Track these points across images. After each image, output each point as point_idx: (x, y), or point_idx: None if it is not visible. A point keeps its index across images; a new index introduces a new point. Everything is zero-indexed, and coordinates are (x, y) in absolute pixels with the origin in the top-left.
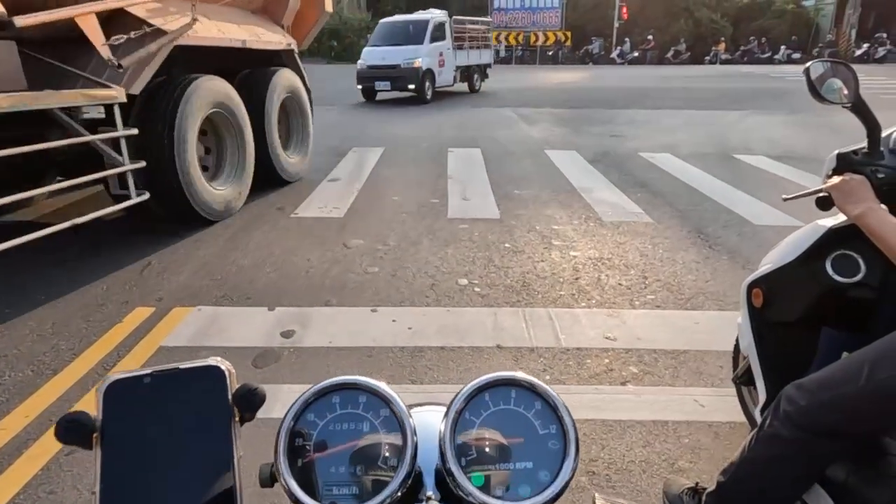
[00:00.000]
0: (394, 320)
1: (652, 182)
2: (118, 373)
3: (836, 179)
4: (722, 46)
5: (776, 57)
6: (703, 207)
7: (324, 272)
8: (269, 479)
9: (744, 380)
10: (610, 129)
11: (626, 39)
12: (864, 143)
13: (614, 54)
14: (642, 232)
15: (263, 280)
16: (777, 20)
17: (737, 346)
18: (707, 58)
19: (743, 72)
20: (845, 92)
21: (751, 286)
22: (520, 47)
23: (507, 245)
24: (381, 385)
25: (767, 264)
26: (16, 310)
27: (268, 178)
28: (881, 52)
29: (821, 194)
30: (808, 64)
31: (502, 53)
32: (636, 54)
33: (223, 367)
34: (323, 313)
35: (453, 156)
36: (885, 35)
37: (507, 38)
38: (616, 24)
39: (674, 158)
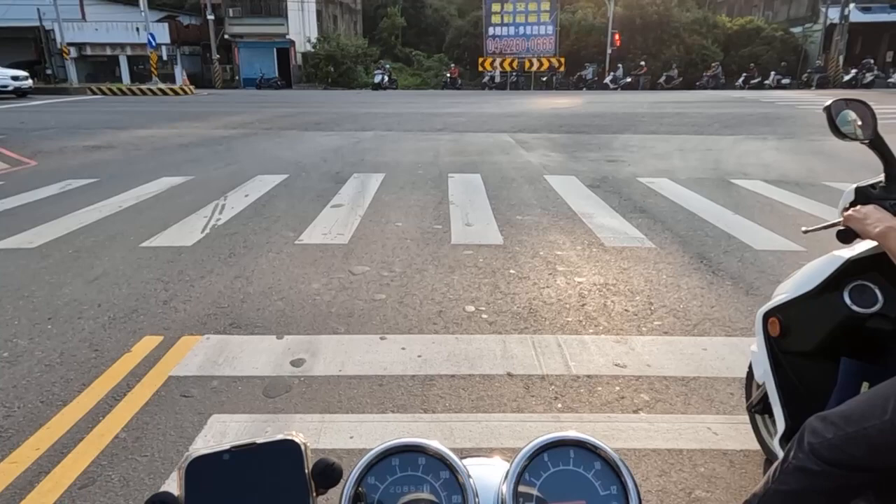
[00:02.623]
0: (403, 348)
1: (652, 207)
2: (198, 450)
3: (851, 212)
4: (719, 70)
5: (766, 82)
6: (703, 232)
7: (331, 299)
8: None
9: (759, 408)
10: (607, 155)
11: (619, 65)
12: (882, 177)
13: (608, 80)
14: (645, 257)
15: (271, 308)
16: (766, 46)
17: (750, 374)
18: (706, 81)
19: (734, 97)
20: (861, 126)
21: (767, 315)
22: (514, 73)
23: (512, 271)
24: (440, 446)
25: (784, 294)
26: (23, 339)
27: None
28: (868, 77)
29: (839, 227)
30: (828, 102)
31: (497, 79)
32: (629, 80)
33: (299, 441)
34: (332, 341)
35: (454, 181)
36: (871, 61)
37: (501, 64)
38: (609, 51)
39: (672, 184)
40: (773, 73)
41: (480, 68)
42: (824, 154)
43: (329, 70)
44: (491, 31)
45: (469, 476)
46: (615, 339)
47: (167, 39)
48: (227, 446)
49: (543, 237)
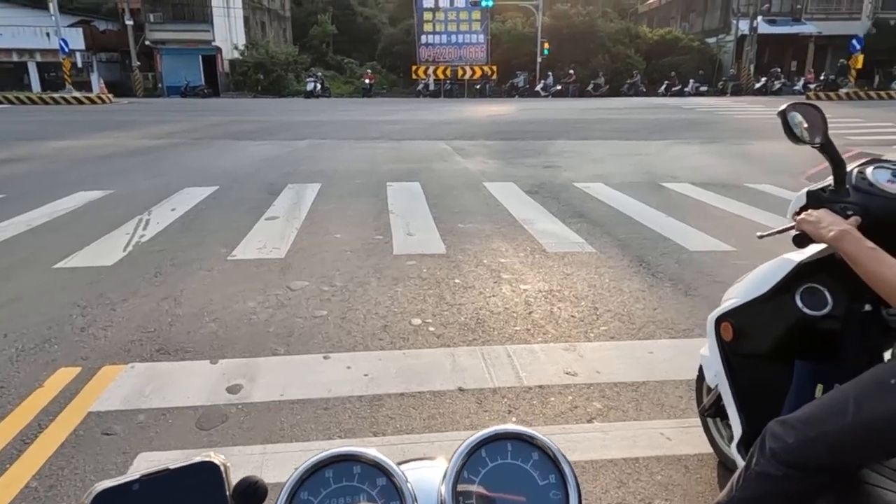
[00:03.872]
0: (348, 367)
1: (589, 212)
2: (103, 482)
3: (803, 215)
4: (638, 80)
5: (686, 90)
6: (641, 235)
7: (268, 318)
8: None
9: (711, 412)
10: (543, 161)
11: (549, 73)
12: (830, 181)
13: (539, 87)
14: (587, 262)
15: (203, 330)
16: (685, 56)
17: (700, 378)
18: (626, 88)
19: (657, 104)
20: (808, 129)
21: (719, 320)
22: (448, 81)
23: (457, 281)
24: (374, 453)
25: (734, 298)
26: None
27: None
28: (777, 84)
29: (794, 231)
30: (783, 107)
31: (431, 87)
32: (559, 87)
33: (217, 462)
34: (271, 363)
35: (393, 190)
36: (779, 70)
37: (435, 72)
38: (539, 59)
39: (607, 188)
40: (691, 81)
41: (414, 76)
42: (746, 157)
43: (259, 78)
44: (423, 39)
45: (407, 480)
46: (564, 346)
47: (82, 45)
48: (137, 475)
49: (486, 245)
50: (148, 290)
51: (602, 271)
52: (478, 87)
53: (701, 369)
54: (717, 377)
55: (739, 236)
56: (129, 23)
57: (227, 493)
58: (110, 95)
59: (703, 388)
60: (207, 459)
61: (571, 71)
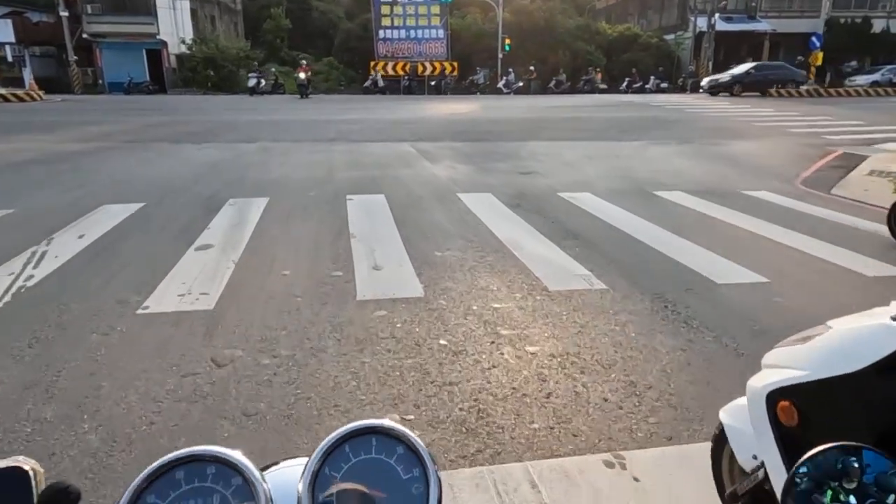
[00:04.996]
0: None
1: (584, 230)
2: None
3: None
4: (599, 76)
5: (647, 86)
6: (649, 260)
7: (179, 420)
8: None
9: (746, 501)
10: (517, 165)
11: (511, 70)
12: None
13: (500, 84)
14: (600, 305)
15: (78, 446)
16: (644, 52)
17: (718, 447)
18: (582, 85)
19: (621, 101)
20: None
21: (775, 396)
22: (407, 77)
23: (442, 342)
24: (229, 452)
25: (797, 369)
26: None
27: None
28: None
29: None
30: None
31: (380, 83)
32: (520, 84)
33: (27, 468)
34: None
35: (353, 205)
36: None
37: (394, 68)
38: (500, 55)
39: (594, 198)
40: (652, 77)
41: (372, 72)
42: (727, 159)
43: (208, 74)
44: (381, 33)
45: (263, 480)
46: (608, 459)
47: (12, 38)
48: None
49: (473, 282)
50: (10, 371)
51: (622, 319)
52: (433, 83)
53: (721, 435)
54: (761, 460)
55: (766, 261)
56: (64, 14)
57: (34, 500)
58: (41, 92)
59: (729, 464)
60: (16, 465)
61: (532, 67)
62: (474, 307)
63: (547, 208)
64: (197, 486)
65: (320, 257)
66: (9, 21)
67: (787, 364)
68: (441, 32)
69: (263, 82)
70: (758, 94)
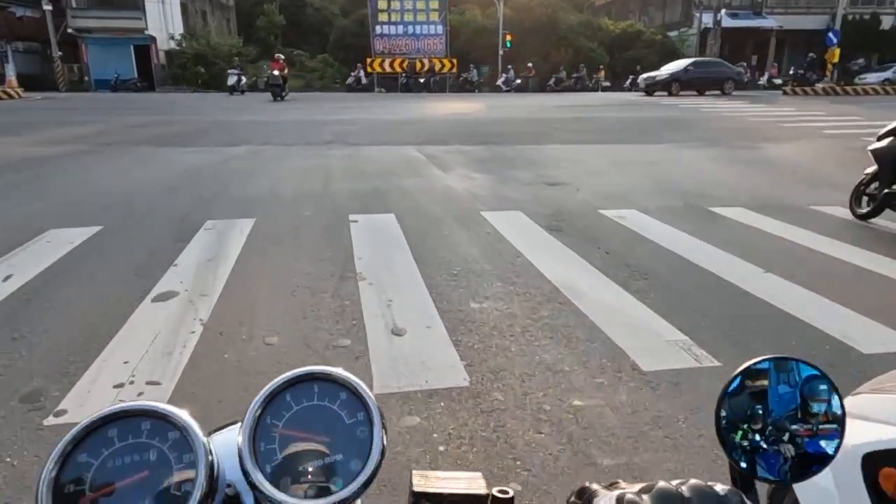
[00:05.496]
0: None
1: (648, 264)
2: None
3: None
4: (602, 73)
5: None
6: (753, 315)
7: None
8: None
9: None
10: (540, 174)
11: (510, 67)
12: None
13: (500, 82)
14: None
15: None
16: (647, 49)
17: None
18: (573, 83)
19: (629, 99)
20: None
21: (875, 460)
22: (405, 75)
23: (514, 487)
24: (162, 406)
25: None
26: None
27: None
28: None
29: None
30: None
31: (363, 80)
32: (518, 82)
33: None
34: None
35: (358, 229)
36: (745, 64)
37: (391, 65)
38: (501, 52)
39: (644, 217)
40: None
41: (369, 69)
42: (767, 165)
43: (199, 71)
44: (378, 29)
45: (199, 432)
46: None
47: None
48: None
49: (532, 356)
50: None
51: None
52: (422, 80)
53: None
54: None
55: None
56: (48, 8)
57: None
58: (19, 90)
59: None
60: None
61: (530, 65)
62: (546, 406)
63: (593, 232)
64: (131, 442)
65: (320, 313)
66: None
67: (888, 418)
68: (440, 28)
69: (244, 80)
70: (695, 92)
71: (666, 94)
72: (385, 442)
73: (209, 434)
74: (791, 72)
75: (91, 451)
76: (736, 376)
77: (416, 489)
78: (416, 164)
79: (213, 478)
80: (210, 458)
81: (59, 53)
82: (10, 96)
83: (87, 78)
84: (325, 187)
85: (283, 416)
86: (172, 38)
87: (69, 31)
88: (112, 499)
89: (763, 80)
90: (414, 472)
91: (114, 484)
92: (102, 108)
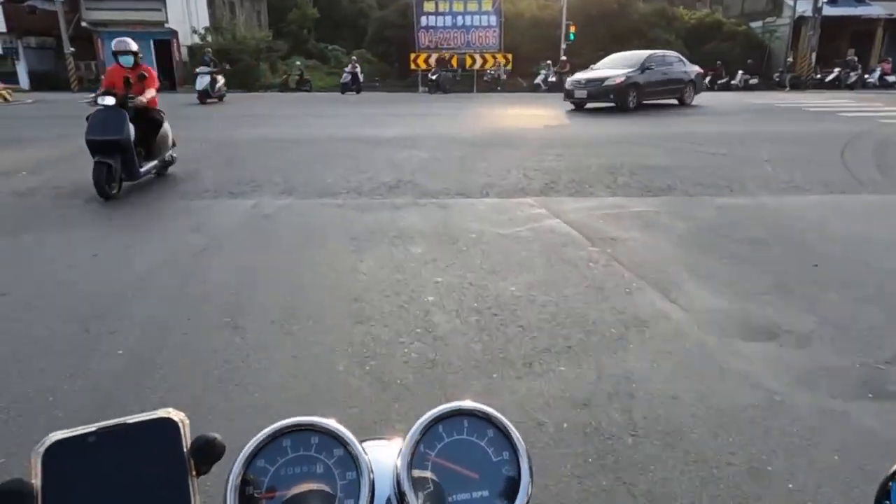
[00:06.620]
0: None
1: None
2: (57, 433)
3: None
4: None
5: (733, 82)
6: None
7: None
8: None
9: None
10: (839, 295)
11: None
12: None
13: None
14: None
15: None
16: (728, 43)
17: None
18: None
19: (745, 102)
20: None
21: None
22: (440, 71)
23: None
24: (333, 423)
25: None
26: None
27: None
28: (853, 76)
29: None
30: None
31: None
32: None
33: (176, 419)
34: None
35: None
36: (856, 58)
37: (438, 62)
38: (563, 45)
39: None
40: (740, 72)
41: (413, 66)
42: None
43: (224, 68)
44: (424, 21)
45: (364, 452)
46: None
47: (2, 28)
48: (92, 427)
49: None
50: None
51: None
52: (486, 78)
53: None
54: None
55: None
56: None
57: (185, 449)
58: (7, 91)
59: None
60: (167, 416)
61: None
62: None
63: None
64: (302, 454)
65: None
66: None
67: None
68: (493, 19)
69: (221, 82)
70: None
71: (612, 105)
72: (532, 487)
73: (360, 443)
74: None
75: (268, 458)
76: None
77: None
78: (574, 262)
79: (373, 496)
80: (372, 476)
81: (72, 49)
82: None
83: (102, 76)
84: (433, 376)
85: (436, 446)
86: (195, 31)
87: (83, 24)
88: None
89: (874, 79)
90: None
91: (285, 490)
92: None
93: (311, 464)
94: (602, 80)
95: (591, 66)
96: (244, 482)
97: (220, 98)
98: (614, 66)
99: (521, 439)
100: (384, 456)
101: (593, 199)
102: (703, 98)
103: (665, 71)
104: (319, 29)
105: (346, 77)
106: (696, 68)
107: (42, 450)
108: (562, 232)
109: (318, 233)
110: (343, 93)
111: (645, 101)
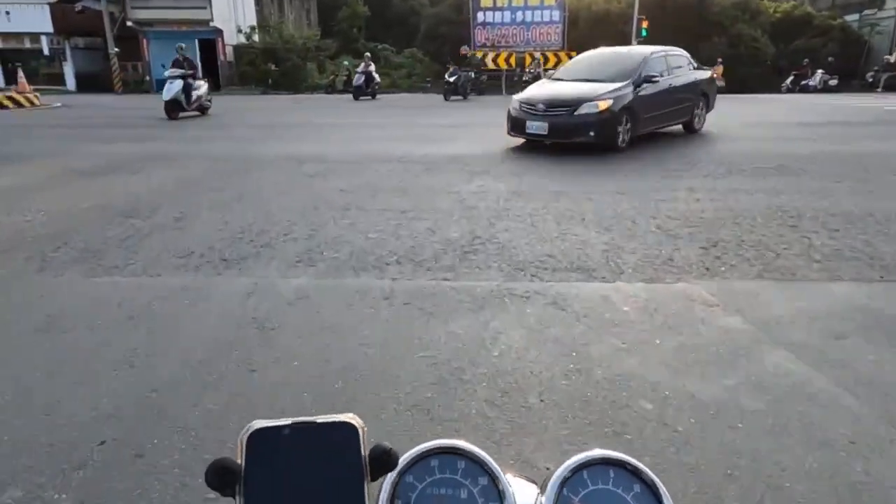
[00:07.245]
0: None
1: None
2: (260, 420)
3: None
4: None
5: (811, 83)
6: None
7: None
8: None
9: None
10: None
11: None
12: None
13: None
14: None
15: None
16: (821, 38)
17: None
18: (784, 85)
19: (851, 105)
20: None
21: None
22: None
23: None
24: (481, 452)
25: None
26: None
27: None
28: None
29: None
30: None
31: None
32: None
33: (357, 424)
34: None
35: None
36: None
37: (494, 61)
38: (634, 42)
39: None
40: (819, 72)
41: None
42: None
43: (269, 68)
44: (480, 17)
45: (510, 484)
46: None
47: (49, 28)
48: (287, 421)
49: None
50: None
51: None
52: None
53: None
54: None
55: None
56: None
57: (363, 455)
58: (36, 94)
59: None
60: (350, 420)
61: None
62: None
63: None
64: (448, 476)
65: None
66: (46, 7)
67: None
68: (556, 14)
69: (202, 88)
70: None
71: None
72: None
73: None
74: None
75: (416, 476)
76: None
77: None
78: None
79: None
80: None
81: (116, 50)
82: (20, 104)
83: (147, 77)
84: None
85: (580, 492)
86: (240, 30)
87: (128, 23)
88: None
89: None
90: None
91: None
92: (113, 123)
93: (455, 488)
94: (574, 101)
95: (550, 72)
96: (394, 495)
97: (203, 111)
98: (592, 75)
99: (669, 498)
100: (524, 494)
101: (799, 284)
102: (785, 102)
103: (672, 82)
104: (370, 27)
105: (358, 78)
106: (708, 72)
107: (246, 436)
108: (817, 389)
109: (349, 383)
110: (356, 98)
111: (642, 132)
